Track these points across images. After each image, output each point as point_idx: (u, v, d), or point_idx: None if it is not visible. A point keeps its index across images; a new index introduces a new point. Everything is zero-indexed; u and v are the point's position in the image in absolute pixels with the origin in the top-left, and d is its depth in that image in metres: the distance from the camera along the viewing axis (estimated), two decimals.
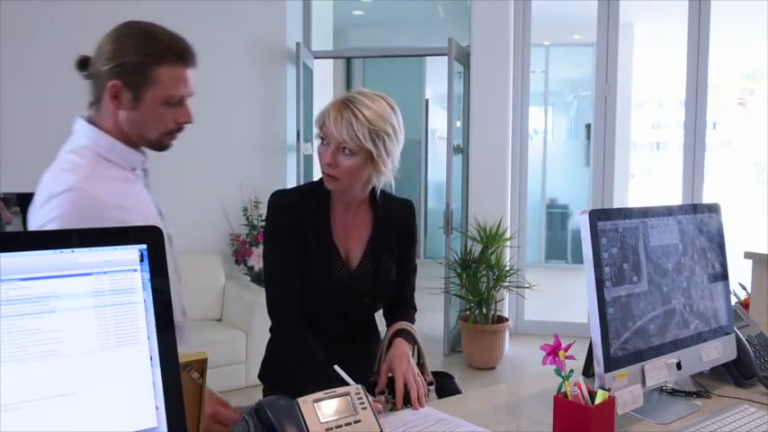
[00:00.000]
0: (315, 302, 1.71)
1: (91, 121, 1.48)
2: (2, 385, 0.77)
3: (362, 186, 1.70)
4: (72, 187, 1.35)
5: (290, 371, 1.68)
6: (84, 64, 1.48)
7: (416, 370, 1.66)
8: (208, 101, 4.53)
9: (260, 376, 1.85)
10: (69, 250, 0.84)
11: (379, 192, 1.77)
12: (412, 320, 1.85)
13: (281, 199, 1.73)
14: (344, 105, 1.62)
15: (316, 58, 5.28)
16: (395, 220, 1.81)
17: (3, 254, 0.79)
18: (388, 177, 1.69)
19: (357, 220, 1.77)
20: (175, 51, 1.42)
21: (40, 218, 1.37)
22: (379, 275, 1.76)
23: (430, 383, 1.77)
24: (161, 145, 1.52)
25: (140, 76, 1.41)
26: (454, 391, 1.80)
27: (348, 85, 8.11)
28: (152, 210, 1.52)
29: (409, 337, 1.77)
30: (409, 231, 1.84)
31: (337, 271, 1.72)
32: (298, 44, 4.91)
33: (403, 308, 1.88)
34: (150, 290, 0.88)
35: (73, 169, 1.40)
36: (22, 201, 4.22)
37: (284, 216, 1.70)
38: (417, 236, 1.89)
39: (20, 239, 0.83)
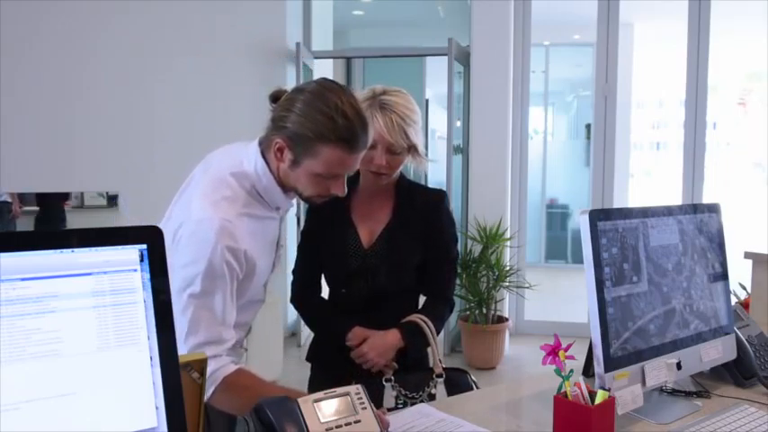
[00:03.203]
0: (335, 279, 1.87)
1: (263, 152, 1.53)
2: (2, 385, 0.77)
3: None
4: (222, 228, 1.41)
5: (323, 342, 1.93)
6: (276, 98, 1.53)
7: (382, 350, 1.76)
8: (208, 101, 4.57)
9: (307, 358, 1.96)
10: (69, 250, 0.84)
11: (407, 179, 1.89)
12: (434, 313, 1.86)
13: None
14: (386, 110, 1.71)
15: (316, 58, 5.28)
16: (420, 207, 1.86)
17: (3, 254, 0.79)
18: (425, 164, 1.82)
19: (381, 204, 1.86)
20: (346, 140, 1.44)
21: (188, 239, 1.43)
22: (393, 254, 1.82)
23: (438, 375, 1.80)
24: (309, 202, 1.58)
25: (305, 148, 1.45)
26: (467, 386, 1.81)
27: (348, 85, 8.10)
28: (264, 251, 1.57)
29: (411, 329, 1.80)
30: (436, 219, 1.88)
31: (353, 247, 1.83)
32: (298, 44, 4.91)
33: (432, 299, 1.92)
34: (150, 290, 0.88)
35: (230, 198, 1.47)
36: (42, 201, 4.23)
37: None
38: (449, 225, 1.92)
39: (20, 239, 0.83)
